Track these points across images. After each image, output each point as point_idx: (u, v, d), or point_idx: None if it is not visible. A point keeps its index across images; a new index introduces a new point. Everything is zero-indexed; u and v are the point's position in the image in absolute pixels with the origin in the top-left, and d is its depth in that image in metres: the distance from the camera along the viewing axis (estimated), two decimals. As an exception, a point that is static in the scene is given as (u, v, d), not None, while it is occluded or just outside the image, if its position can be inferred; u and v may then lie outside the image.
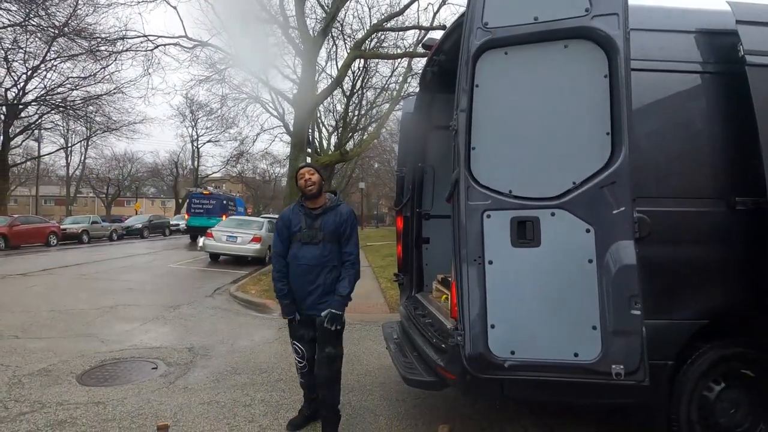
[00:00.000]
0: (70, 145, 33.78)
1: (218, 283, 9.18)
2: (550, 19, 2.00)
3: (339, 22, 15.25)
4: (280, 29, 11.77)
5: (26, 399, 3.27)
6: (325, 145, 24.20)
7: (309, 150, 15.31)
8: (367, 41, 14.22)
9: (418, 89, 3.80)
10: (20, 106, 21.61)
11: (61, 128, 29.26)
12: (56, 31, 16.72)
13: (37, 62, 19.50)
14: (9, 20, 16.23)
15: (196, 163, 39.57)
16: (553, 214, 1.97)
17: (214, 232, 12.53)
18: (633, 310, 1.86)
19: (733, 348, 2.31)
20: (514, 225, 1.99)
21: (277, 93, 16.39)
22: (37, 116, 23.54)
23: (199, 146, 38.84)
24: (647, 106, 2.27)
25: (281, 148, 40.64)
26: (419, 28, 13.88)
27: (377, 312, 6.35)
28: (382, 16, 14.40)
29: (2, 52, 17.87)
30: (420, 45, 12.29)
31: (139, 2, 11.93)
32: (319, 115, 22.10)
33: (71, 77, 20.59)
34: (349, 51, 14.33)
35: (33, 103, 21.83)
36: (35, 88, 21.38)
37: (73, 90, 21.42)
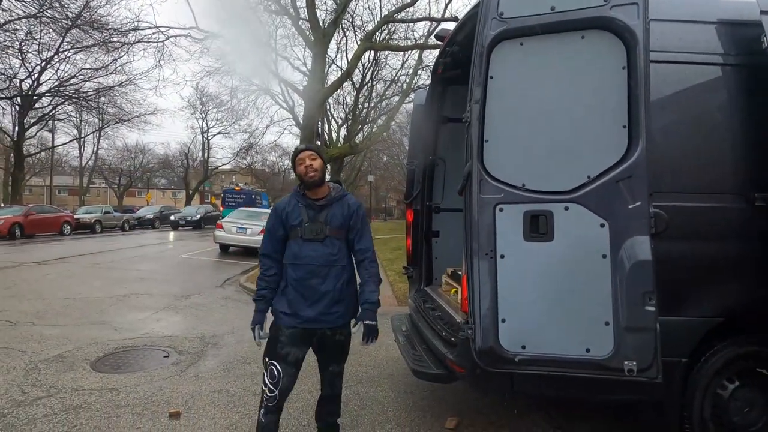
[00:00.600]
0: (83, 135, 34.35)
1: (228, 273, 9.28)
2: (568, 9, 1.96)
3: (349, 13, 15.16)
4: (290, 20, 11.70)
5: (42, 384, 3.35)
6: (334, 137, 24.18)
7: (318, 142, 15.29)
8: (377, 33, 14.11)
9: (429, 81, 3.76)
10: (34, 97, 21.97)
11: (74, 119, 29.74)
12: (70, 23, 16.90)
13: (50, 53, 19.78)
14: (24, 11, 16.44)
15: (206, 154, 39.92)
16: (566, 208, 1.94)
17: (224, 224, 12.54)
18: (647, 307, 1.84)
19: (748, 346, 2.26)
20: (527, 219, 1.97)
21: (287, 85, 16.37)
22: (50, 107, 23.92)
23: (209, 138, 39.22)
24: (666, 99, 2.21)
25: (290, 140, 40.85)
26: (430, 19, 13.73)
27: (386, 304, 6.32)
28: (393, 7, 14.26)
29: (17, 43, 18.11)
30: (433, 36, 12.14)
31: (150, -7, 12.00)
32: (328, 107, 22.10)
33: (84, 68, 20.94)
34: (359, 43, 14.24)
35: (47, 94, 22.18)
36: (49, 79, 21.77)
37: (85, 81, 21.76)
